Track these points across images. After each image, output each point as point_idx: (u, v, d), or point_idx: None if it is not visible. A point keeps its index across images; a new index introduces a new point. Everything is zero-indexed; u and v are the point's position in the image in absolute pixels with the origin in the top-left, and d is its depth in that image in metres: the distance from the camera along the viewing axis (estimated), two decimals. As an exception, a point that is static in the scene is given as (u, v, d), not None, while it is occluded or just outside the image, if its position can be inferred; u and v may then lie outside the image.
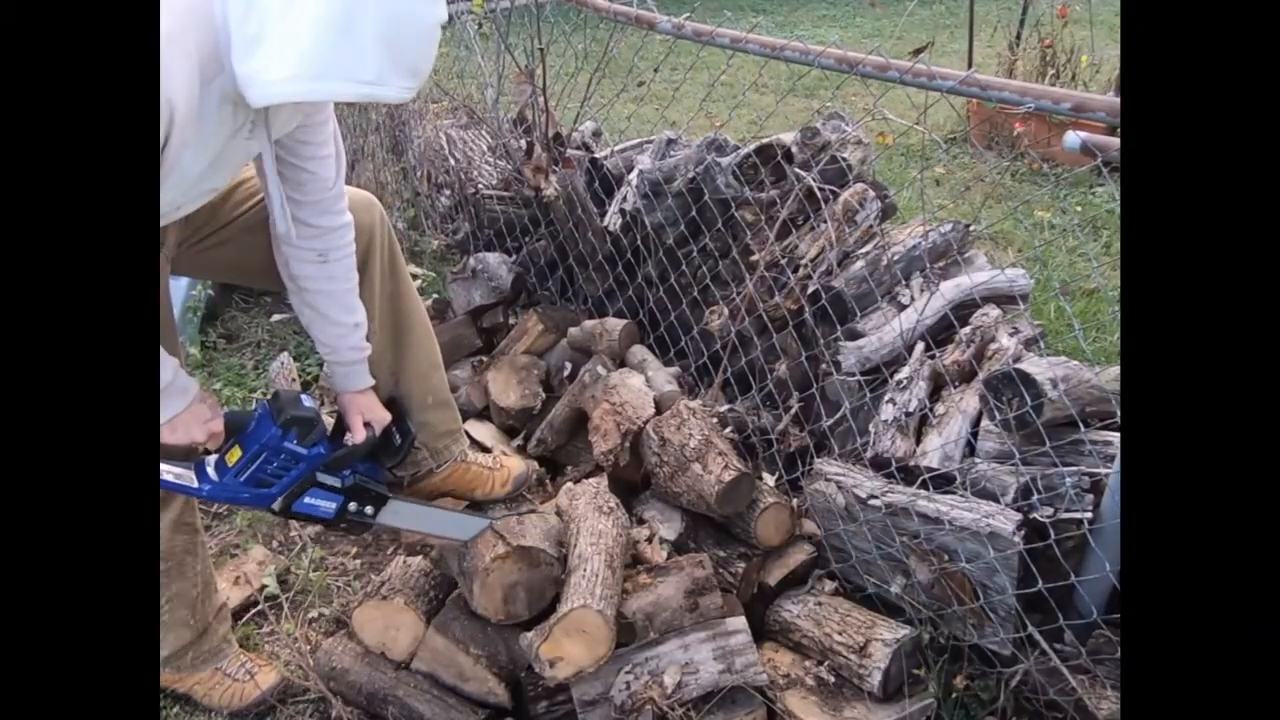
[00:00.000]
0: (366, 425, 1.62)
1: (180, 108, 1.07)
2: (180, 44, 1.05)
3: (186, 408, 1.37)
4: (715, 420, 1.94)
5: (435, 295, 2.87)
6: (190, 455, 1.50)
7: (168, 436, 1.37)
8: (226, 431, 1.46)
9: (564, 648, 1.52)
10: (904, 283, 2.10)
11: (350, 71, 1.06)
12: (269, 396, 1.51)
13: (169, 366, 1.34)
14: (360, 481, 1.59)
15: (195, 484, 1.47)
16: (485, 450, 2.13)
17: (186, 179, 1.25)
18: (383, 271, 1.69)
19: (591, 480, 1.92)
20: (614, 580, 1.61)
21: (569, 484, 1.95)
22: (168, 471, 1.45)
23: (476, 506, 1.98)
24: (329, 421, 1.64)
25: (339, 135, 1.49)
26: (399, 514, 1.68)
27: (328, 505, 1.57)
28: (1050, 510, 1.57)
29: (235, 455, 1.47)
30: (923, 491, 1.68)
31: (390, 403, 1.70)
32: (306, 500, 1.54)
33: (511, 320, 2.67)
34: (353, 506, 1.59)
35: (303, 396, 1.52)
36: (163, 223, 1.38)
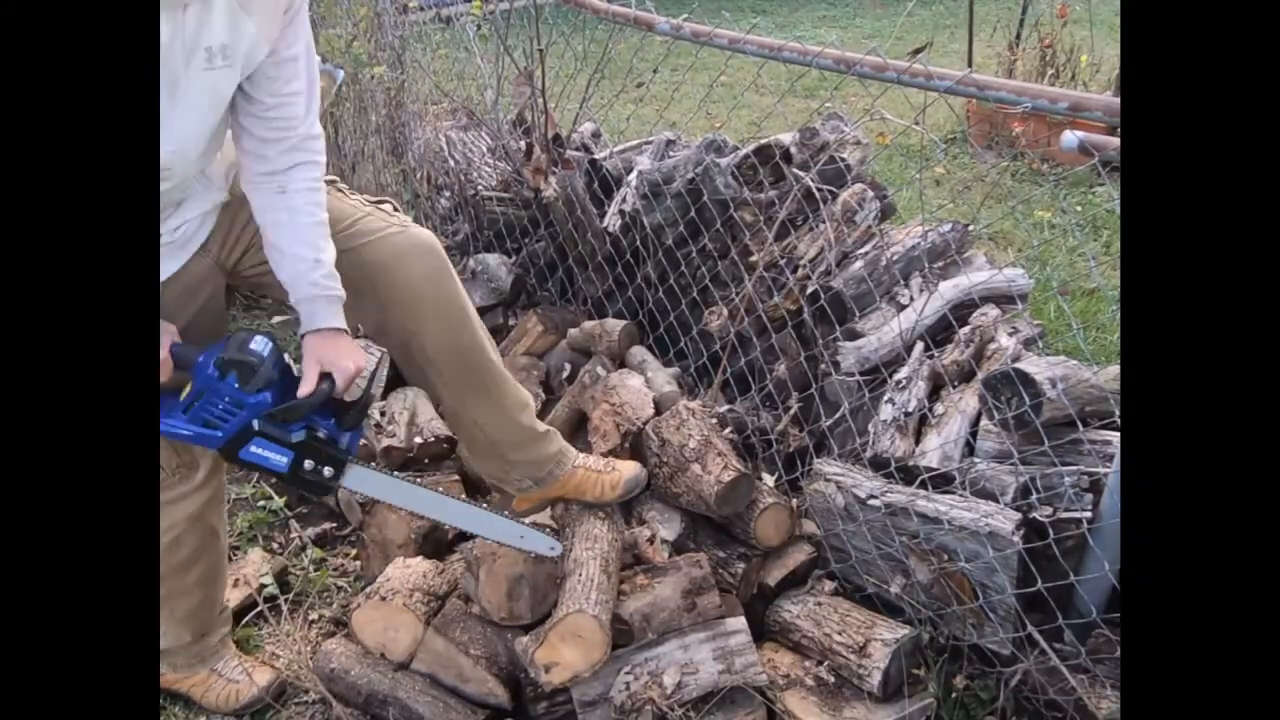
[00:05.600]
0: (324, 376, 1.43)
1: None
2: None
3: None
4: (715, 421, 1.94)
5: (435, 296, 2.87)
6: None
7: None
8: (177, 364, 1.35)
9: (559, 653, 1.52)
10: (903, 283, 2.10)
11: None
12: (228, 335, 1.40)
13: None
14: (312, 439, 1.43)
15: None
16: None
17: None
18: (440, 324, 1.56)
19: None
20: (609, 585, 1.61)
21: None
22: None
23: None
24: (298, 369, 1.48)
25: (314, 73, 1.41)
26: (366, 481, 1.55)
27: (278, 459, 1.42)
28: (1049, 510, 1.57)
29: (186, 390, 1.39)
30: (922, 491, 1.68)
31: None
32: (253, 449, 1.41)
33: (511, 321, 2.67)
34: (308, 464, 1.43)
35: (256, 337, 1.40)
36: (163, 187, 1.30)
